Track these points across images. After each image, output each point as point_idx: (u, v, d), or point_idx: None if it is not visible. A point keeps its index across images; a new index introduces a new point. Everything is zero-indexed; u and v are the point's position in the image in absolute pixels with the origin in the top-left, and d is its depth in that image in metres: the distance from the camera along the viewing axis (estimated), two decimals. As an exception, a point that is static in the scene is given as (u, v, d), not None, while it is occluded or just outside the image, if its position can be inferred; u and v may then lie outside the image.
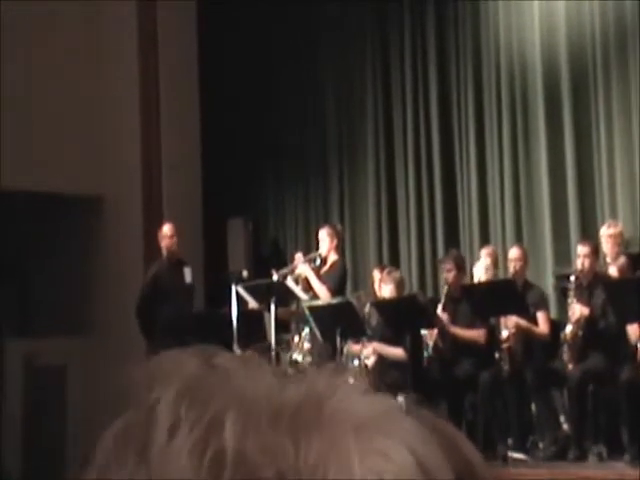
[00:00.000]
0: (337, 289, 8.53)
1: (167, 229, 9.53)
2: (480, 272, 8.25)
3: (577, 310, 7.34)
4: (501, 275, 8.58)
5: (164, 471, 0.49)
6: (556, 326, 7.76)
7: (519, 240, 9.27)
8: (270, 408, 0.51)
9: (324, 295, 8.39)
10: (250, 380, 0.53)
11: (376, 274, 9.06)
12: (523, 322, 7.69)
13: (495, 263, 8.59)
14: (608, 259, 7.58)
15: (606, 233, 7.63)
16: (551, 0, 9.50)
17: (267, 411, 0.50)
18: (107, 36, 11.05)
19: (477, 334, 7.86)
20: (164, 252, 9.51)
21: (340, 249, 9.04)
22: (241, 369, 0.54)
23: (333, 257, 8.68)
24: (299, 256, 8.94)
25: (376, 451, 0.50)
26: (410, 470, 0.50)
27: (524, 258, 8.14)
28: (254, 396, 0.51)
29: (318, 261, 8.66)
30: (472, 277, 8.41)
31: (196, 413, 0.50)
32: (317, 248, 8.90)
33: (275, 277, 8.64)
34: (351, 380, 0.54)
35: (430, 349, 7.92)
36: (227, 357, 0.55)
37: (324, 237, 8.69)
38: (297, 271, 8.65)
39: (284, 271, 8.71)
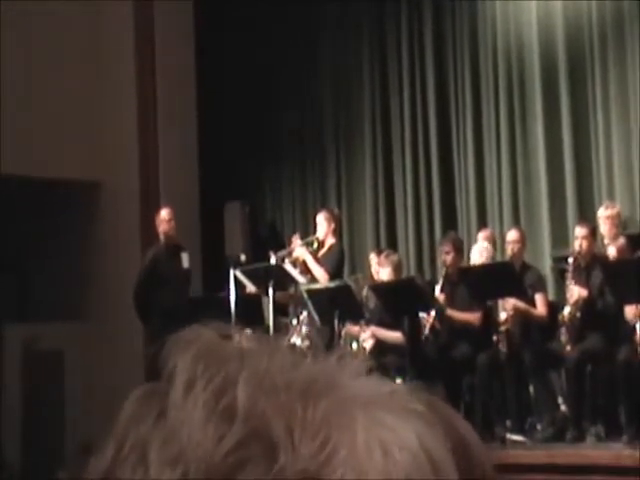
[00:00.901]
0: (335, 272, 8.54)
1: (165, 213, 9.52)
2: (476, 255, 8.25)
3: (575, 292, 7.34)
4: (499, 257, 8.59)
5: (180, 421, 0.52)
6: (554, 308, 7.77)
7: (517, 222, 9.27)
8: (283, 377, 0.53)
9: (322, 278, 8.40)
10: (265, 354, 0.54)
11: (373, 257, 9.06)
12: (521, 304, 7.70)
13: (493, 246, 8.60)
14: (606, 240, 7.58)
15: (604, 214, 7.62)
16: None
17: (280, 378, 0.52)
18: (106, 28, 11.03)
19: (473, 317, 7.86)
20: (162, 237, 9.50)
21: (337, 233, 9.05)
22: (257, 343, 0.56)
23: (330, 241, 8.69)
24: (296, 238, 8.95)
25: (383, 424, 0.51)
26: (416, 452, 0.51)
27: (522, 240, 8.14)
28: (268, 366, 0.53)
29: (315, 245, 8.66)
30: (469, 260, 8.41)
31: (211, 372, 0.53)
32: (315, 232, 8.90)
33: (273, 259, 8.64)
34: (359, 363, 0.56)
35: (428, 331, 7.93)
36: (244, 333, 0.58)
37: (321, 221, 8.70)
38: (294, 254, 8.66)
39: (282, 253, 8.72)
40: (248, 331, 0.58)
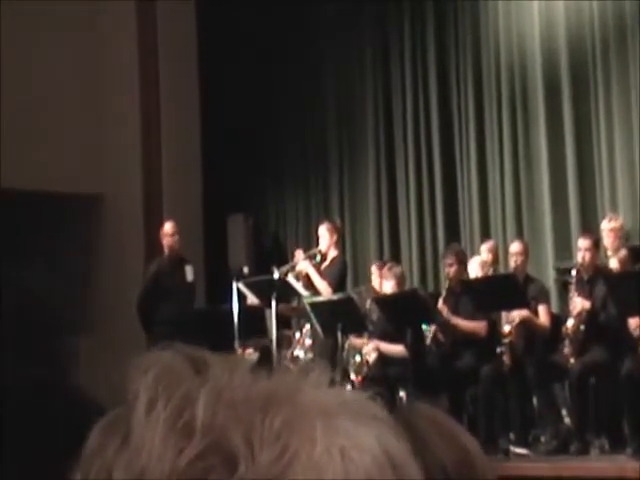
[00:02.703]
0: (337, 285, 8.52)
1: (169, 227, 9.51)
2: (475, 268, 8.23)
3: (578, 304, 7.33)
4: (502, 269, 8.58)
5: (142, 441, 0.53)
6: (557, 320, 7.76)
7: (520, 234, 9.26)
8: (242, 391, 0.54)
9: (325, 291, 8.39)
10: (225, 372, 0.56)
11: (375, 270, 9.06)
12: (526, 313, 7.69)
13: (495, 259, 8.59)
14: (609, 252, 7.57)
15: (607, 227, 7.62)
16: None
17: (239, 392, 0.54)
18: (107, 36, 11.05)
19: (478, 326, 7.85)
20: (165, 250, 9.50)
21: (340, 245, 9.03)
22: (218, 363, 0.57)
23: (333, 253, 8.68)
24: (299, 253, 8.94)
25: (342, 430, 0.52)
26: (376, 454, 0.52)
27: (525, 252, 8.14)
28: (228, 383, 0.55)
29: (318, 257, 8.66)
30: (469, 273, 8.39)
31: (171, 390, 0.54)
32: (317, 244, 8.89)
33: (276, 275, 8.64)
34: (321, 375, 0.56)
35: (431, 343, 7.92)
36: (207, 354, 0.58)
37: (324, 233, 8.68)
38: (297, 268, 8.65)
39: (284, 268, 8.71)
40: (210, 352, 0.59)
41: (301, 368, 0.57)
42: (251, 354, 8.79)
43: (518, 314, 7.67)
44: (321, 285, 8.43)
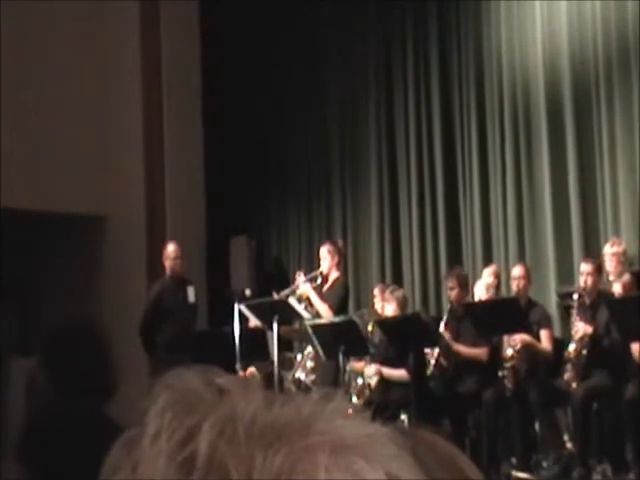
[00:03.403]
0: (339, 307, 8.50)
1: (172, 250, 9.48)
2: (481, 291, 8.23)
3: (580, 328, 7.32)
4: (504, 293, 8.56)
5: (145, 472, 0.53)
6: (560, 344, 7.74)
7: (522, 258, 9.25)
8: (248, 425, 0.53)
9: (326, 313, 8.37)
10: (241, 399, 0.55)
11: (377, 292, 9.04)
12: (528, 337, 7.67)
13: (498, 283, 8.58)
14: (611, 277, 7.56)
15: (609, 251, 7.62)
16: (553, 17, 9.52)
17: (246, 425, 0.53)
18: (110, 54, 11.10)
19: (480, 352, 7.84)
20: (168, 271, 9.50)
21: (342, 266, 8.99)
22: (237, 389, 0.56)
23: (334, 274, 8.65)
24: (300, 276, 8.91)
25: (347, 468, 0.51)
26: None
27: (527, 276, 8.13)
28: (241, 412, 0.54)
29: (319, 280, 8.64)
30: (473, 296, 8.38)
31: (178, 422, 0.54)
32: (319, 266, 8.87)
33: (276, 298, 8.62)
34: (340, 404, 0.55)
35: (433, 367, 7.90)
36: (228, 377, 0.58)
37: (325, 255, 8.66)
38: (298, 291, 8.62)
39: (285, 292, 8.68)
40: (232, 375, 0.58)
41: (321, 396, 0.56)
42: (254, 374, 8.77)
43: (520, 339, 7.65)
44: (322, 308, 8.41)
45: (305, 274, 8.90)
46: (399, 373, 8.05)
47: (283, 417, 0.53)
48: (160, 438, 0.53)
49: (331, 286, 8.59)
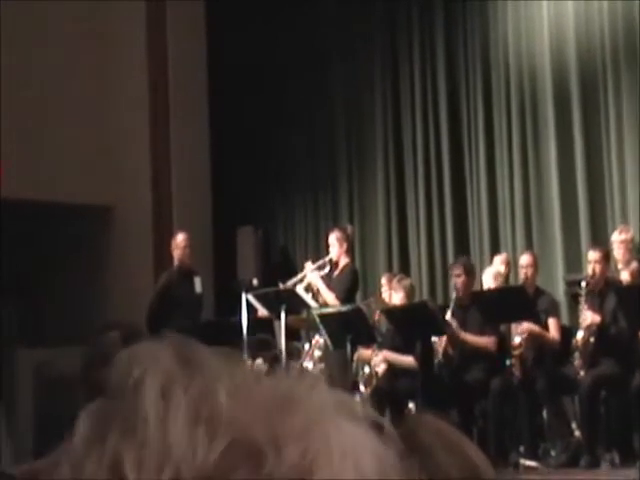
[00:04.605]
0: (347, 294, 8.48)
1: (181, 239, 9.48)
2: (489, 279, 8.21)
3: (588, 317, 7.30)
4: (512, 281, 8.55)
5: (161, 435, 0.51)
6: (567, 332, 7.73)
7: (529, 246, 9.24)
8: (257, 389, 0.54)
9: (332, 302, 8.36)
10: (229, 366, 0.55)
11: (384, 281, 9.03)
12: (535, 327, 7.66)
13: (508, 272, 8.57)
14: (619, 265, 7.54)
15: (617, 239, 7.59)
16: (560, 5, 9.49)
17: (255, 389, 0.54)
18: (116, 46, 11.09)
19: (488, 341, 7.82)
20: (175, 261, 9.50)
21: (350, 252, 8.94)
22: (215, 361, 0.56)
23: (344, 261, 8.62)
24: (308, 265, 8.88)
25: (349, 434, 0.54)
26: (381, 455, 0.55)
27: (535, 264, 8.12)
28: (240, 377, 0.55)
29: (328, 268, 8.62)
30: (482, 284, 8.37)
31: (187, 380, 0.52)
32: (327, 254, 8.86)
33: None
34: (317, 377, 0.58)
35: (440, 356, 7.90)
36: (201, 350, 0.57)
37: (333, 242, 8.63)
38: (306, 280, 8.61)
39: (292, 281, 8.67)
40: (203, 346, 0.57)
41: (297, 372, 0.57)
42: (260, 365, 8.77)
43: (527, 327, 7.64)
44: (328, 296, 8.40)
45: (312, 263, 8.87)
46: (406, 359, 8.05)
47: (279, 386, 0.55)
48: (173, 392, 0.52)
49: (340, 272, 8.56)
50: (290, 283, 8.62)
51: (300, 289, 8.46)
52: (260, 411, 0.52)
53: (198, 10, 11.56)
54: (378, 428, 0.55)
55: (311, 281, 8.54)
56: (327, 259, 8.65)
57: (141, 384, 0.52)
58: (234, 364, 0.56)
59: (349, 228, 9.21)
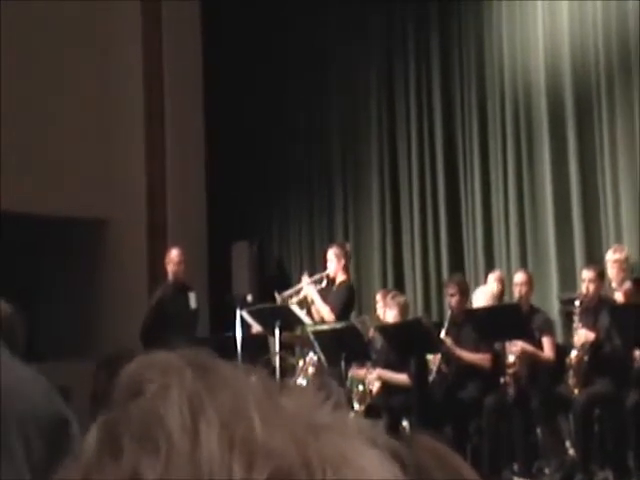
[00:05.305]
0: (344, 309, 8.47)
1: (175, 255, 9.47)
2: (483, 297, 8.19)
3: (582, 335, 7.31)
4: (506, 299, 8.55)
5: (190, 450, 0.47)
6: (561, 351, 7.73)
7: (524, 264, 9.25)
8: (284, 408, 0.52)
9: (327, 315, 8.34)
10: (242, 382, 0.53)
11: (379, 298, 9.03)
12: (529, 347, 7.66)
13: (502, 290, 8.57)
14: (613, 284, 7.55)
15: (612, 258, 7.60)
16: (555, 23, 9.52)
17: (285, 410, 0.51)
18: (112, 60, 11.11)
19: (483, 358, 7.82)
20: (170, 276, 9.49)
21: (348, 269, 8.94)
22: (234, 373, 0.53)
23: (341, 277, 8.62)
24: (305, 277, 8.87)
25: (375, 459, 0.53)
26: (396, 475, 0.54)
27: (530, 282, 8.12)
28: (263, 395, 0.52)
29: (324, 283, 8.61)
30: (471, 303, 8.33)
31: (212, 395, 0.49)
32: (322, 269, 8.85)
33: (278, 299, 8.60)
34: (339, 398, 0.56)
35: (434, 373, 7.89)
36: (217, 362, 0.54)
37: (332, 257, 8.62)
38: (302, 292, 8.60)
39: (287, 293, 8.67)
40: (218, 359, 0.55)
41: (317, 388, 0.56)
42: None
43: (520, 347, 7.64)
44: (324, 310, 8.39)
45: (309, 276, 8.85)
46: (400, 377, 8.04)
47: (301, 406, 0.53)
48: (202, 409, 0.48)
49: (337, 288, 8.56)
50: (287, 293, 8.61)
51: (294, 306, 8.45)
52: (291, 436, 0.50)
53: (194, 9, 11.57)
54: (396, 457, 0.54)
55: (307, 293, 8.53)
56: (324, 274, 8.64)
57: (164, 393, 0.49)
58: (248, 377, 0.53)
59: (348, 245, 9.23)
